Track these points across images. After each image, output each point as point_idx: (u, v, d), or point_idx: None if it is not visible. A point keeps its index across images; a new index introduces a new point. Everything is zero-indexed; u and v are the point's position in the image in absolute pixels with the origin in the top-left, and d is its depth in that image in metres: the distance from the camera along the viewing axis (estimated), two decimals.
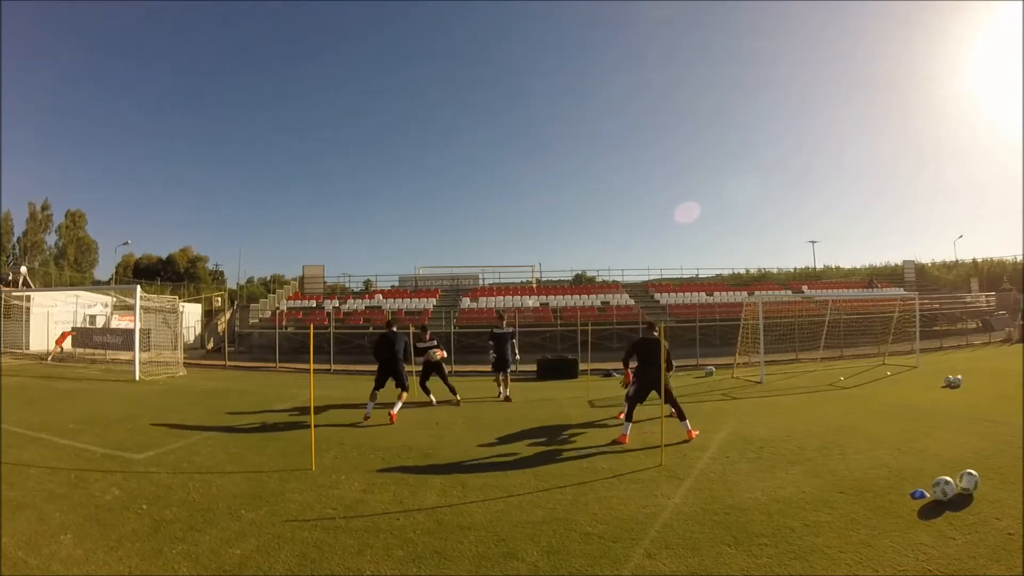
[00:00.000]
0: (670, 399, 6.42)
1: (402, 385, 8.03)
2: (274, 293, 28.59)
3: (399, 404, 7.79)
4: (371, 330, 21.03)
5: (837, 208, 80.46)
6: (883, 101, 77.84)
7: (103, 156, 74.35)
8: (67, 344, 19.06)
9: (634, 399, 6.51)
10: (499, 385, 10.30)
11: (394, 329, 8.37)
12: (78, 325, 21.41)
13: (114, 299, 24.40)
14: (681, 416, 6.44)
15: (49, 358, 17.52)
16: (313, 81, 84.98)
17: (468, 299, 25.92)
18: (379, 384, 7.96)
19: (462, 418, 7.99)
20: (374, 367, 8.28)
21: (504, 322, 10.96)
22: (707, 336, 18.72)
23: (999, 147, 69.31)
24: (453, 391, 9.16)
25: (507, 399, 9.84)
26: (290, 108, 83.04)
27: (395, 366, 8.03)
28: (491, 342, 10.49)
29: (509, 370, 10.42)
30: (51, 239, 44.16)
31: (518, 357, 11.03)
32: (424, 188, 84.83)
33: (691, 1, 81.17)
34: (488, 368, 11.33)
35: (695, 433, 6.34)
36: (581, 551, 3.36)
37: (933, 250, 70.71)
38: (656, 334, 6.53)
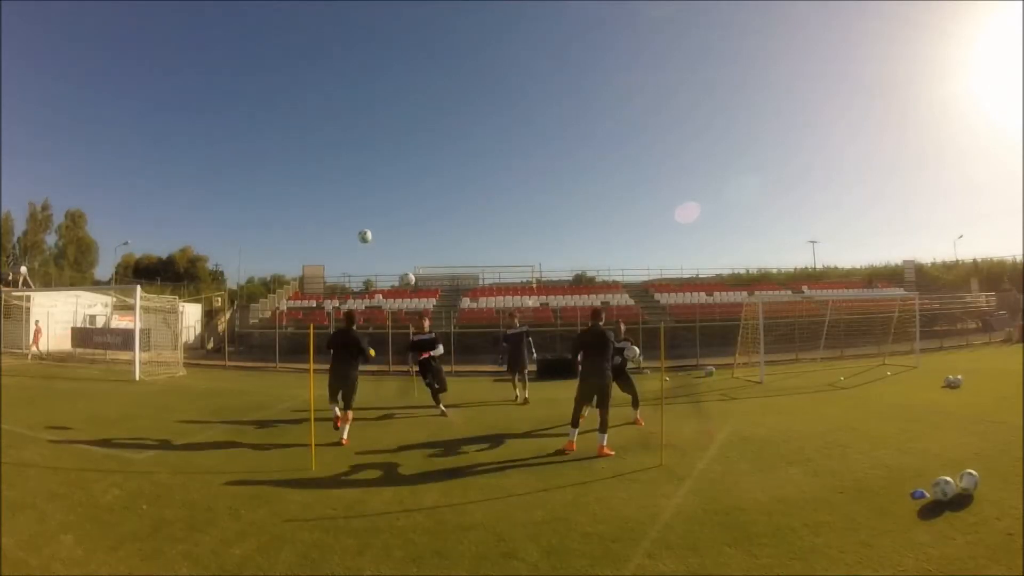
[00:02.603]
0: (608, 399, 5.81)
1: (348, 404, 6.31)
2: (274, 293, 28.56)
3: (347, 428, 6.28)
4: (371, 330, 21.00)
5: (837, 208, 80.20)
6: (883, 101, 77.71)
7: (103, 156, 74.06)
8: (43, 343, 19.00)
9: (577, 402, 5.86)
10: (515, 388, 9.71)
11: (354, 327, 6.54)
12: (78, 325, 21.41)
13: (114, 299, 24.37)
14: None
15: (29, 357, 17.64)
16: (313, 81, 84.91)
17: (468, 299, 25.90)
18: (332, 395, 6.39)
19: (462, 418, 7.98)
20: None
21: (516, 320, 10.36)
22: (707, 336, 18.68)
23: (999, 147, 69.10)
24: (437, 402, 8.10)
25: (525, 401, 9.33)
26: (290, 107, 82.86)
27: (347, 375, 6.34)
28: (505, 344, 9.90)
29: (526, 370, 9.72)
30: (51, 239, 44.06)
31: (535, 356, 10.36)
32: (424, 188, 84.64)
33: (691, 1, 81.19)
34: (488, 369, 11.13)
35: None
36: (581, 551, 3.36)
37: (933, 250, 70.22)
38: (601, 324, 5.84)
